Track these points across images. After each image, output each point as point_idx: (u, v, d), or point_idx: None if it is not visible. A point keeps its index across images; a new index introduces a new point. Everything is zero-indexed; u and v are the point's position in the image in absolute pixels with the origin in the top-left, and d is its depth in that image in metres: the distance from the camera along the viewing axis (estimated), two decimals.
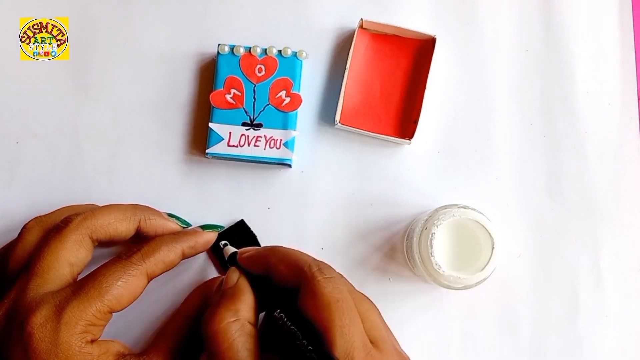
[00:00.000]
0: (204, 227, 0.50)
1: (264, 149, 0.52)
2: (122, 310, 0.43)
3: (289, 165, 0.53)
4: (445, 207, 0.48)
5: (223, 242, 0.52)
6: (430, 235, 0.46)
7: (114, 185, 0.54)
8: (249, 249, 0.45)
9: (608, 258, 0.54)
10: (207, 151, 0.52)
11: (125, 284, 0.42)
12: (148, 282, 0.44)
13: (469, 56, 0.56)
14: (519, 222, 0.54)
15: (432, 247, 0.46)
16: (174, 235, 0.48)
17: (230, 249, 0.49)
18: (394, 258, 0.53)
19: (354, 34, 0.54)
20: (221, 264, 0.52)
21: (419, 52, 0.54)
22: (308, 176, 0.54)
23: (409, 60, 0.55)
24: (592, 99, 0.56)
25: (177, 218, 0.51)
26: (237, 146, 0.52)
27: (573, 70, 0.56)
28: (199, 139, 0.54)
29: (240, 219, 0.53)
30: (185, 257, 0.47)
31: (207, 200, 0.54)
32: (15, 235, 0.47)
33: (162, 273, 0.46)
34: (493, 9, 0.57)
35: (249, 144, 0.52)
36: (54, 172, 0.54)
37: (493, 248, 0.46)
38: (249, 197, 0.54)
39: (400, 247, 0.53)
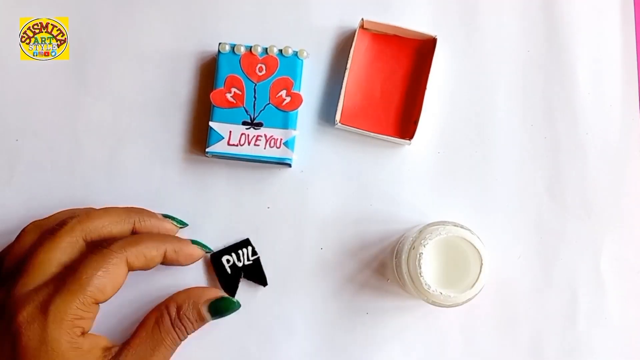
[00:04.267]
0: (193, 242, 0.50)
1: (264, 148, 0.52)
2: (106, 300, 0.43)
3: (289, 165, 0.52)
4: (432, 224, 0.47)
5: (226, 257, 0.52)
6: (418, 255, 0.45)
7: (114, 184, 0.54)
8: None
9: (608, 260, 0.54)
10: (207, 150, 0.52)
11: (106, 273, 0.42)
12: (128, 272, 0.45)
13: (470, 57, 0.56)
14: (519, 223, 0.54)
15: (420, 268, 0.45)
16: (162, 235, 0.48)
17: None
18: (393, 261, 0.53)
19: (354, 33, 0.54)
20: (222, 283, 0.52)
21: (419, 52, 0.54)
22: (308, 176, 0.54)
23: (409, 61, 0.55)
24: (594, 100, 0.56)
25: (173, 218, 0.51)
26: (237, 145, 0.52)
27: (574, 71, 0.56)
28: (199, 138, 0.54)
29: (246, 237, 0.53)
30: (167, 259, 0.47)
31: (207, 199, 0.53)
32: (15, 233, 0.47)
33: (142, 269, 0.46)
34: (494, 9, 0.57)
35: (249, 143, 0.52)
36: (53, 170, 0.54)
37: (482, 265, 0.45)
38: (248, 197, 0.53)
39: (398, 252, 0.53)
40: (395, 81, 0.54)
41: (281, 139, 0.52)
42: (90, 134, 0.54)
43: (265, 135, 0.52)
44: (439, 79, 0.55)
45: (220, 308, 0.48)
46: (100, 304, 0.43)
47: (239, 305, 0.50)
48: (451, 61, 0.56)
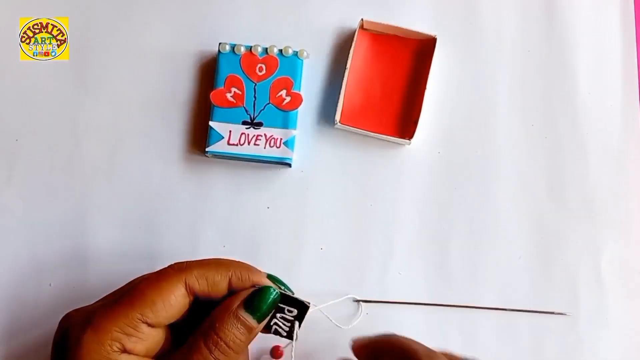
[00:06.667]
0: (269, 276, 0.43)
1: (264, 147, 0.52)
2: (161, 323, 0.39)
3: (289, 165, 0.52)
4: None
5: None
6: None
7: (114, 184, 0.54)
8: (364, 338, 0.41)
9: (609, 260, 0.54)
10: (207, 150, 0.52)
11: (159, 292, 0.39)
12: (190, 297, 0.40)
13: (470, 56, 0.56)
14: (520, 223, 0.54)
15: None
16: (231, 260, 0.42)
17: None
18: (394, 258, 0.53)
19: (354, 34, 0.54)
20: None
21: (419, 52, 0.54)
22: (308, 176, 0.54)
23: (409, 61, 0.55)
24: (594, 100, 0.56)
25: (276, 279, 0.43)
26: (237, 145, 0.52)
27: (575, 71, 0.56)
28: (199, 138, 0.54)
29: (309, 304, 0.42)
30: (232, 286, 0.41)
31: (207, 199, 0.53)
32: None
33: (206, 295, 0.40)
34: (495, 9, 0.57)
35: (249, 143, 0.52)
36: (53, 170, 0.54)
37: None
38: (248, 196, 0.53)
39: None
40: (395, 81, 0.54)
41: (281, 139, 0.52)
42: (90, 134, 0.55)
43: (265, 135, 0.52)
44: (438, 78, 0.55)
45: (256, 303, 0.40)
46: (157, 328, 0.39)
47: (277, 294, 0.41)
48: (451, 61, 0.56)
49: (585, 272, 0.53)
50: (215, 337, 0.38)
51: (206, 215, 0.53)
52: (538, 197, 0.54)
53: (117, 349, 0.38)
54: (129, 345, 0.38)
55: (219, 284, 0.40)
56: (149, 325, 0.39)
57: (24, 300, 0.52)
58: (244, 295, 0.40)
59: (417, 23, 0.55)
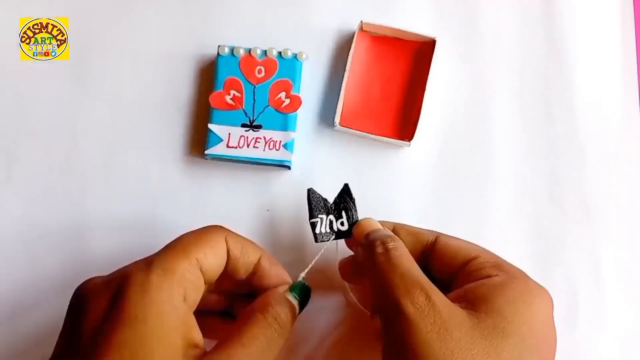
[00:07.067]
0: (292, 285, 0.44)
1: (264, 150, 0.52)
2: (211, 277, 0.40)
3: (288, 167, 0.52)
4: None
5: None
6: None
7: (112, 186, 0.54)
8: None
9: (608, 262, 0.54)
10: (206, 152, 0.52)
11: (207, 241, 0.39)
12: (226, 257, 0.41)
13: (469, 58, 0.56)
14: (519, 225, 0.54)
15: None
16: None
17: None
18: None
19: (354, 35, 0.54)
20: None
21: (418, 54, 0.54)
22: (307, 178, 0.54)
23: (408, 62, 0.54)
24: (593, 101, 0.56)
25: (295, 288, 0.44)
26: (236, 147, 0.52)
27: (574, 73, 0.56)
28: (198, 140, 0.54)
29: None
30: (257, 268, 0.43)
31: (206, 201, 0.54)
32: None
33: (234, 262, 0.41)
34: (494, 11, 0.57)
35: (248, 145, 0.52)
36: (51, 170, 0.54)
37: None
38: (247, 199, 0.54)
39: None
40: (394, 83, 0.54)
41: (280, 141, 0.52)
42: (89, 135, 0.55)
43: (265, 138, 0.52)
44: (438, 80, 0.54)
45: (297, 291, 0.43)
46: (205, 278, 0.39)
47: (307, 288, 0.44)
48: (450, 63, 0.55)
49: (585, 273, 0.54)
50: (272, 310, 0.40)
51: (205, 218, 0.52)
52: (537, 198, 0.54)
53: (180, 295, 0.36)
54: (191, 295, 0.38)
55: (250, 255, 0.42)
56: (202, 272, 0.39)
57: (22, 301, 0.52)
58: (287, 285, 0.43)
59: (417, 25, 0.55)
